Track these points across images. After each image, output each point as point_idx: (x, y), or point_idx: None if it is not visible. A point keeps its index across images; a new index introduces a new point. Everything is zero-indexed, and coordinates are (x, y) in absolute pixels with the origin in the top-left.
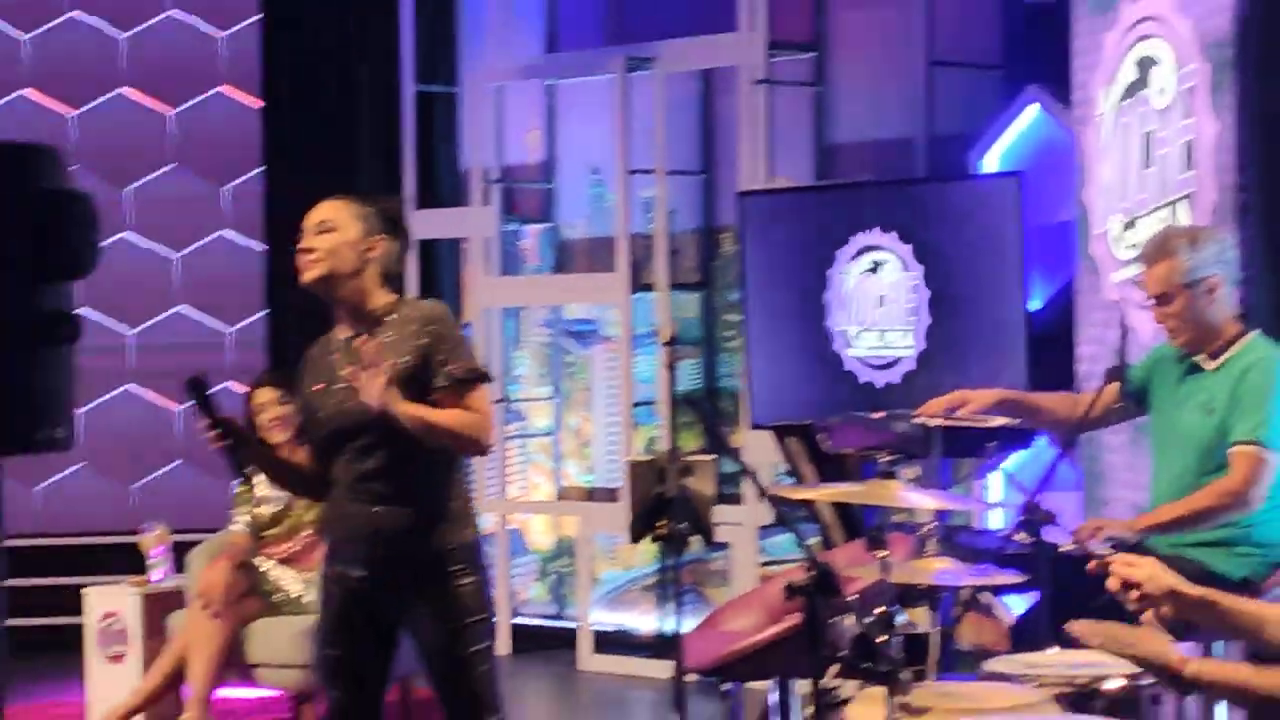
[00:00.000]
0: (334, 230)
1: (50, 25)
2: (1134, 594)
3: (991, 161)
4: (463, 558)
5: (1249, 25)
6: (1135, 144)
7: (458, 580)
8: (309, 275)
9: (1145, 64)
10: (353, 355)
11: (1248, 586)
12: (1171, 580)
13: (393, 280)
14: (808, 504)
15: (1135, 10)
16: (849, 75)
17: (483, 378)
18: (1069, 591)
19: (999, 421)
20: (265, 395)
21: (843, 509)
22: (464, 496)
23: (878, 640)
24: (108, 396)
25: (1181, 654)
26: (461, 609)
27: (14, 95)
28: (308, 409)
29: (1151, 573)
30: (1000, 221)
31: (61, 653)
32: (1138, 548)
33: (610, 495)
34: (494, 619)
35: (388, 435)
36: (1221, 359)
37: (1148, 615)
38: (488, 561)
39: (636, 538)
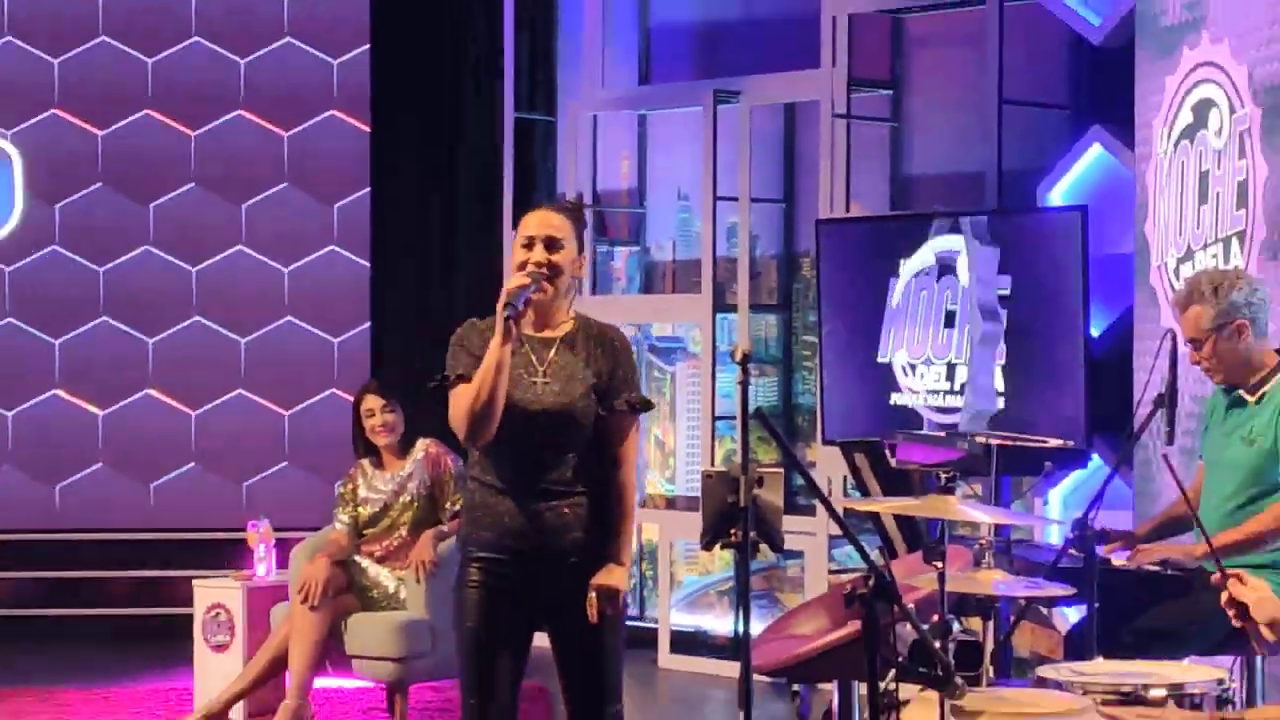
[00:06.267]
0: (561, 245)
1: (172, 50)
2: (1234, 612)
3: (1057, 195)
4: None
5: None
6: (1192, 182)
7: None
8: (548, 280)
9: (1202, 107)
10: (537, 356)
11: None
12: (1273, 609)
13: (573, 288)
14: (873, 516)
15: (1194, 56)
16: (924, 111)
17: (646, 407)
18: (1117, 605)
19: (1055, 443)
20: (372, 402)
21: (905, 521)
22: None
23: (934, 646)
24: (220, 401)
25: None
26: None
27: (139, 114)
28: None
29: (1259, 598)
30: (1064, 253)
31: (171, 641)
32: (1199, 572)
33: (691, 504)
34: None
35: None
36: (1261, 392)
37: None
38: None
39: (709, 545)
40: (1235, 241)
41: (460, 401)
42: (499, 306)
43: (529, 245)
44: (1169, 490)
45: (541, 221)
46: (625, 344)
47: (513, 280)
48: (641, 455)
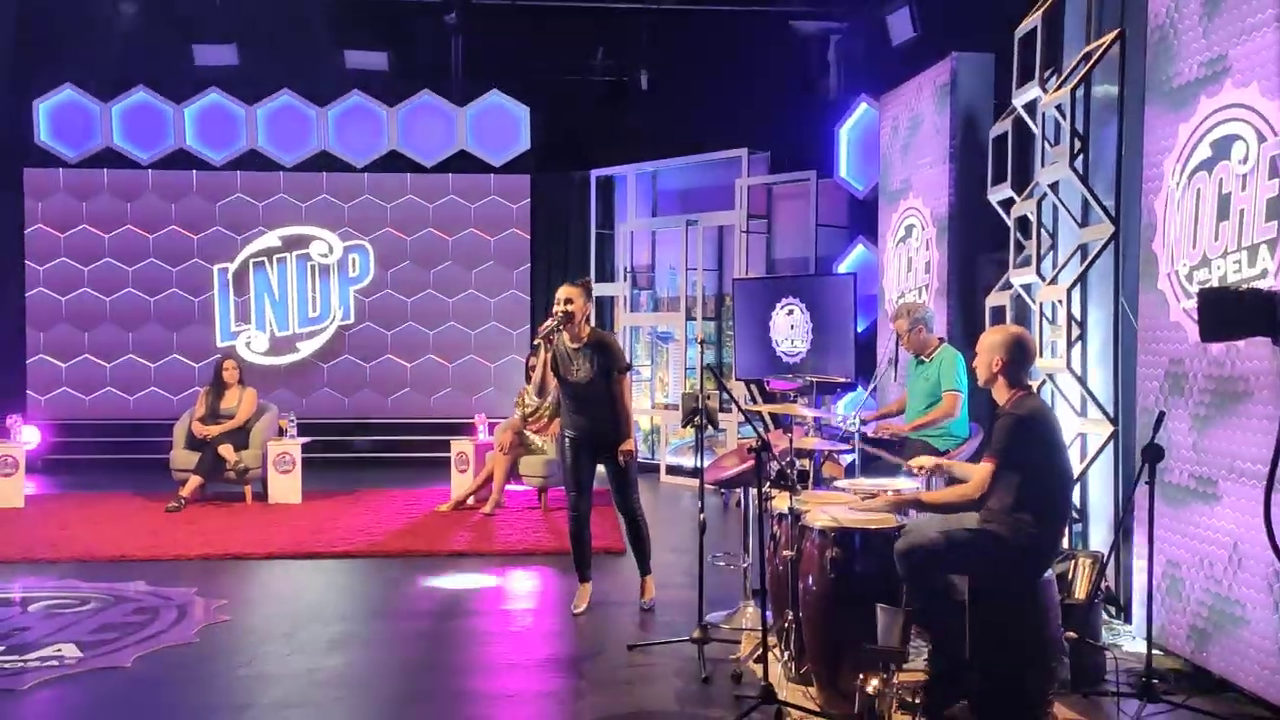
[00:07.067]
0: (573, 302)
1: (440, 201)
2: (918, 468)
3: (843, 268)
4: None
5: (954, 208)
6: (905, 263)
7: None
8: (565, 322)
9: (909, 228)
10: (574, 356)
11: (948, 454)
12: (930, 464)
13: (589, 317)
14: (759, 413)
15: (907, 203)
16: (781, 229)
17: (629, 369)
18: (869, 455)
19: (841, 379)
20: (533, 360)
21: (775, 415)
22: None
23: (788, 472)
24: (461, 360)
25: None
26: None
27: (425, 230)
28: (560, 373)
29: (922, 459)
30: (846, 295)
31: (439, 469)
32: (906, 440)
33: (677, 407)
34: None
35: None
36: (931, 356)
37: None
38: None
39: (684, 425)
40: (925, 289)
41: (532, 376)
42: (539, 334)
43: (559, 301)
44: (891, 399)
45: (565, 289)
46: (612, 342)
47: (546, 322)
48: (653, 385)
